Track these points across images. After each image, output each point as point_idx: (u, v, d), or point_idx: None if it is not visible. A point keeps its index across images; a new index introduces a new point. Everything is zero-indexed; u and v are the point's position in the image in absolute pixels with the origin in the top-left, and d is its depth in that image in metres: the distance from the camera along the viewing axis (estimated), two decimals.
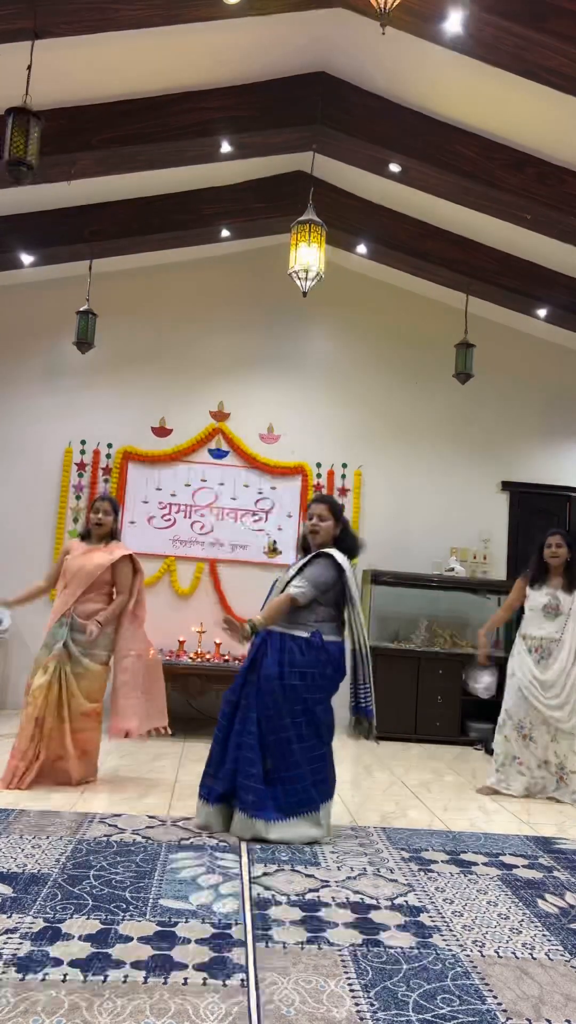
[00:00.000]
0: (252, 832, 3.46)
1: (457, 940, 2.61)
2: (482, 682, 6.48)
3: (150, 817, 3.75)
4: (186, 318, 7.01)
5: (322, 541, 3.71)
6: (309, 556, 3.74)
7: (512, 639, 6.75)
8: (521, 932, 2.71)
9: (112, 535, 4.60)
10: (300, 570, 3.70)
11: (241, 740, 3.53)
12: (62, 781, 4.22)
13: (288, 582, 3.72)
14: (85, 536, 4.68)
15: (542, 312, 6.63)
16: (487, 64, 4.11)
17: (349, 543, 3.77)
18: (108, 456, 6.80)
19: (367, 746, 5.99)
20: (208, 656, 6.24)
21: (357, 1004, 2.15)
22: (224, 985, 2.21)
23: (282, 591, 3.69)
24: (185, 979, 2.22)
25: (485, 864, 3.41)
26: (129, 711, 4.34)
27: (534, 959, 2.51)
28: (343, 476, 7.04)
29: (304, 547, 3.84)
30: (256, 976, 2.27)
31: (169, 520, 6.78)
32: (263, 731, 3.52)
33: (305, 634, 3.60)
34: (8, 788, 4.08)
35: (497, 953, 2.53)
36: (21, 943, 2.37)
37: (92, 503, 4.69)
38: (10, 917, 2.54)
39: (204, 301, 7.05)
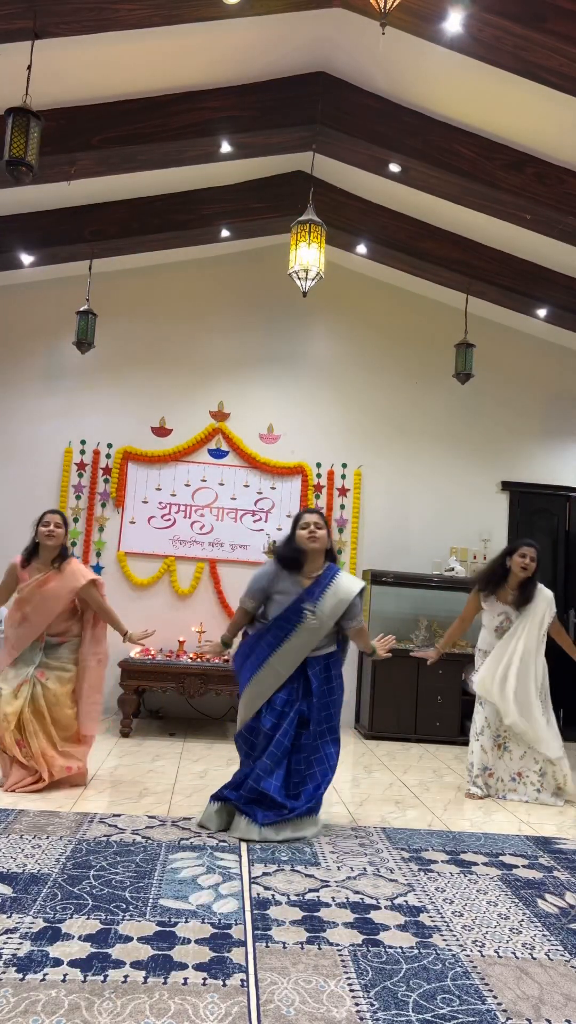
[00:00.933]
0: (261, 836, 3.50)
1: (457, 940, 2.61)
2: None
3: (150, 817, 3.75)
4: (186, 318, 7.01)
5: (320, 547, 3.75)
6: (334, 582, 3.76)
7: None
8: (521, 932, 2.72)
9: (63, 553, 4.35)
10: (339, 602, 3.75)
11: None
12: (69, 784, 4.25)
13: (334, 615, 3.75)
14: (31, 555, 4.32)
15: (542, 312, 6.63)
16: (487, 64, 4.11)
17: (334, 551, 3.92)
18: (108, 456, 6.80)
19: (367, 746, 5.99)
20: (208, 656, 6.23)
21: (357, 1004, 2.15)
22: (224, 985, 2.21)
23: (336, 628, 3.81)
24: (185, 979, 2.22)
25: (485, 864, 3.41)
26: (94, 715, 4.36)
27: (534, 959, 2.51)
28: (343, 476, 7.04)
29: (291, 555, 3.76)
30: (256, 976, 2.27)
31: (169, 520, 6.78)
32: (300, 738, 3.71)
33: (332, 648, 3.85)
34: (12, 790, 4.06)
35: (497, 953, 2.53)
36: (21, 943, 2.37)
37: (41, 517, 4.33)
38: (10, 917, 2.54)
39: (204, 301, 7.05)
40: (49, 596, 4.21)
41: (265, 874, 3.09)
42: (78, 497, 6.73)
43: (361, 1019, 2.08)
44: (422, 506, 7.09)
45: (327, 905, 2.82)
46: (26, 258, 6.20)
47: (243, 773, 3.68)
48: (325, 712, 3.76)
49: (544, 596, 4.75)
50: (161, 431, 6.90)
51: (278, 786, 3.59)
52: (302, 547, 3.72)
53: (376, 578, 6.56)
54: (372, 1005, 2.15)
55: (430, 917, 2.78)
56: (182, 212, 6.09)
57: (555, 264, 6.21)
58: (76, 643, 4.39)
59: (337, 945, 2.50)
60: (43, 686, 4.20)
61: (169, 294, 7.01)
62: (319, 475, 7.02)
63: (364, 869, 3.23)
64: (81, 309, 6.20)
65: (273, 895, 2.88)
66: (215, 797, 3.70)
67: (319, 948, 2.48)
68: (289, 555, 3.75)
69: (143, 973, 2.24)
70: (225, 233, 6.46)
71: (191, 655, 6.13)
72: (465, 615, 4.91)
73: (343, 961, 2.40)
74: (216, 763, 5.04)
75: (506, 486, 7.26)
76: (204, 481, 6.88)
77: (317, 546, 3.73)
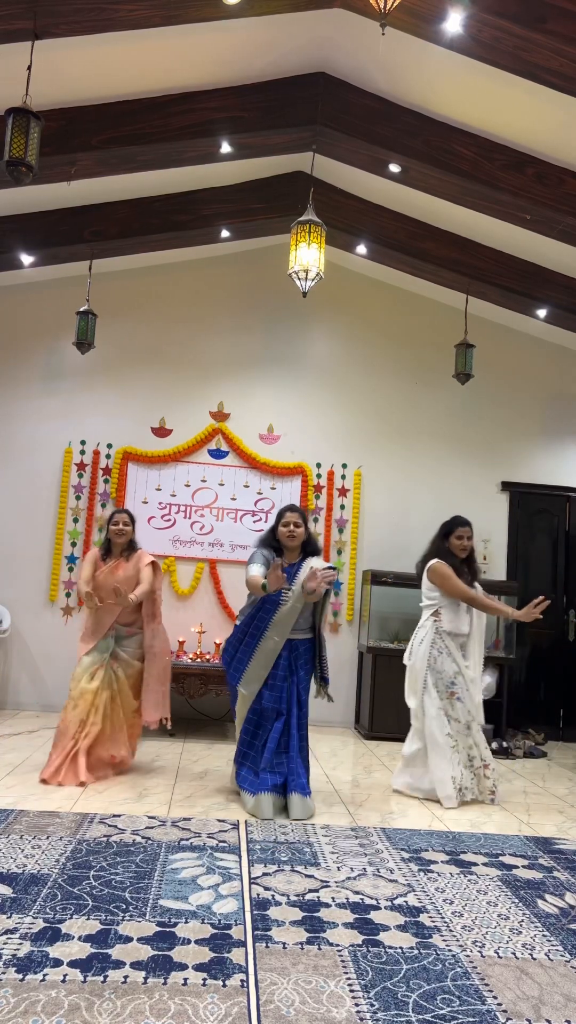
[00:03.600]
0: (310, 812, 3.97)
1: (457, 940, 2.61)
2: (482, 683, 6.47)
3: (150, 817, 3.75)
4: (186, 318, 7.01)
5: (299, 544, 4.23)
6: (304, 564, 4.22)
7: (512, 640, 6.79)
8: (521, 932, 2.71)
9: (132, 546, 4.82)
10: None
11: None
12: (114, 771, 4.57)
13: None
14: (106, 551, 4.81)
15: (542, 312, 6.63)
16: (487, 64, 4.11)
17: (315, 544, 4.33)
18: (108, 456, 6.80)
19: (367, 746, 6.00)
20: (208, 656, 6.24)
21: (357, 1004, 2.15)
22: (224, 985, 2.21)
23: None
24: (185, 979, 2.22)
25: (485, 864, 3.41)
26: (159, 703, 4.72)
27: (534, 959, 2.51)
28: (343, 476, 7.04)
29: (273, 547, 4.24)
30: (256, 976, 2.27)
31: (169, 520, 6.78)
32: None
33: (310, 635, 4.29)
34: (48, 782, 4.27)
35: (497, 953, 2.53)
36: (21, 943, 2.37)
37: (111, 517, 4.80)
38: (10, 917, 2.54)
39: (204, 301, 7.05)
40: (121, 581, 4.64)
41: (265, 874, 3.09)
42: (78, 497, 6.73)
43: (361, 1019, 2.08)
44: (422, 506, 7.09)
45: (327, 905, 2.82)
46: (26, 258, 6.20)
47: (264, 758, 4.06)
48: (306, 694, 4.24)
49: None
50: (161, 431, 6.90)
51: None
52: (282, 543, 4.22)
53: (376, 578, 6.56)
54: (372, 1005, 2.15)
55: (430, 917, 2.78)
56: (182, 212, 6.09)
57: (554, 264, 6.22)
58: (141, 638, 4.75)
59: (337, 945, 2.50)
60: (115, 674, 4.61)
61: (169, 294, 7.01)
62: (319, 475, 7.02)
63: (364, 869, 3.23)
64: (81, 309, 6.20)
65: (273, 895, 2.88)
66: (259, 786, 3.98)
67: (319, 948, 2.48)
68: (271, 547, 4.24)
69: (143, 973, 2.24)
70: (225, 233, 6.46)
71: (191, 655, 6.13)
72: (464, 589, 4.57)
73: (343, 961, 2.40)
74: (216, 763, 5.04)
75: (506, 486, 7.26)
76: (204, 481, 6.88)
77: (295, 544, 4.22)
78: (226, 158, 5.30)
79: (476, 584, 4.71)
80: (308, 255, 4.90)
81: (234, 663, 4.21)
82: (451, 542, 4.68)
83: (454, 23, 3.84)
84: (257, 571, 4.09)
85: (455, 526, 4.71)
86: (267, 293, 7.02)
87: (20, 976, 2.17)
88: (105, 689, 4.54)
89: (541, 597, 4.44)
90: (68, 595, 6.63)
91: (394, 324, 7.24)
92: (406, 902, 2.91)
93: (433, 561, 4.64)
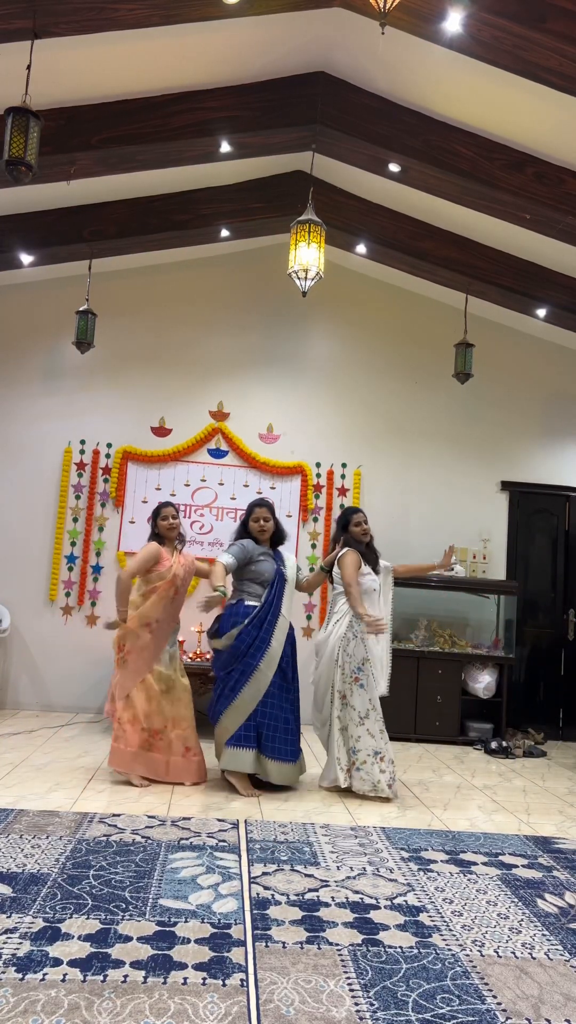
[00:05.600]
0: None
1: (457, 940, 2.61)
2: (482, 682, 6.48)
3: (149, 817, 3.75)
4: (186, 318, 7.01)
5: (269, 536, 4.66)
6: (277, 554, 4.71)
7: (511, 639, 6.79)
8: (520, 932, 2.72)
9: (182, 538, 4.92)
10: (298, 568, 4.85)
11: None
12: (174, 780, 4.49)
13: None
14: (162, 542, 4.77)
15: (541, 312, 6.63)
16: (487, 64, 4.11)
17: (283, 534, 4.79)
18: (108, 456, 6.80)
19: None
20: (208, 656, 6.23)
21: (357, 1004, 2.15)
22: (223, 985, 2.21)
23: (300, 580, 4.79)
24: (185, 979, 2.22)
25: (484, 864, 3.41)
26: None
27: (533, 959, 2.51)
28: (343, 476, 7.04)
29: (249, 537, 4.65)
30: (256, 976, 2.27)
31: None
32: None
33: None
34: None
35: (496, 953, 2.54)
36: (21, 943, 2.37)
37: (160, 509, 4.78)
38: (10, 917, 2.54)
39: (204, 301, 7.05)
40: (191, 572, 4.81)
41: (265, 874, 3.09)
42: (78, 497, 6.73)
43: (361, 1019, 2.08)
44: (422, 506, 7.09)
45: (327, 905, 2.83)
46: (26, 258, 6.20)
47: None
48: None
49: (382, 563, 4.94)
50: (161, 431, 6.90)
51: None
52: (254, 536, 4.63)
53: None
54: (372, 1005, 2.15)
55: (430, 917, 2.78)
56: (181, 212, 6.09)
57: (554, 264, 6.22)
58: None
59: (337, 945, 2.50)
60: (178, 677, 4.66)
61: (169, 294, 7.01)
62: (319, 475, 7.01)
63: (364, 869, 3.23)
64: (81, 309, 6.20)
65: (273, 895, 2.88)
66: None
67: (319, 948, 2.48)
68: (242, 535, 4.66)
69: (143, 973, 2.24)
70: (224, 233, 6.46)
71: (191, 654, 6.13)
72: (349, 581, 4.59)
73: (343, 961, 2.40)
74: (216, 762, 5.03)
75: (506, 486, 7.26)
76: (204, 481, 6.88)
77: (266, 536, 4.65)
78: (225, 157, 5.30)
79: (382, 566, 4.91)
80: (308, 255, 4.91)
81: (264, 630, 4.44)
82: (351, 531, 4.80)
83: (454, 22, 3.84)
84: (230, 563, 4.46)
85: (350, 515, 4.87)
86: (267, 293, 7.02)
87: (20, 975, 2.17)
88: (180, 678, 4.71)
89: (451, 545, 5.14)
90: (68, 595, 6.63)
91: (394, 324, 7.24)
92: (406, 901, 2.91)
93: (345, 550, 4.74)
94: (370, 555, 4.82)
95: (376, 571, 4.81)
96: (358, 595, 4.59)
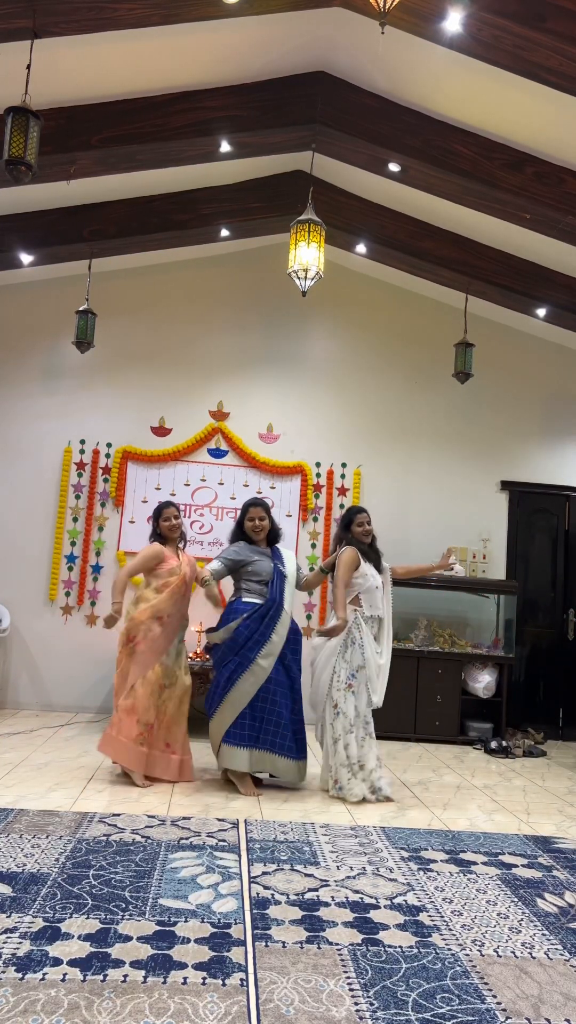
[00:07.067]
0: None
1: (456, 939, 2.61)
2: (482, 682, 6.48)
3: (149, 817, 3.75)
4: (185, 318, 7.01)
5: (264, 535, 4.67)
6: (275, 552, 4.73)
7: (511, 639, 6.79)
8: (520, 931, 2.72)
9: (184, 537, 4.92)
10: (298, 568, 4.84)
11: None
12: (168, 777, 4.50)
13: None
14: (164, 543, 4.76)
15: (541, 311, 6.63)
16: (487, 64, 4.11)
17: (278, 533, 4.80)
18: (107, 456, 6.80)
19: None
20: (208, 656, 6.23)
21: (356, 1003, 2.15)
22: (223, 984, 2.21)
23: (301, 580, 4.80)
24: (184, 978, 2.22)
25: (484, 863, 3.41)
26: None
27: (533, 958, 2.52)
28: (342, 475, 7.04)
29: (246, 539, 4.67)
30: (255, 975, 2.27)
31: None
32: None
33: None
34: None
35: (496, 952, 2.54)
36: (20, 943, 2.37)
37: (161, 510, 4.78)
38: (9, 917, 2.54)
39: (204, 301, 7.05)
40: (195, 571, 4.78)
41: (264, 873, 3.09)
42: (77, 497, 6.73)
43: (360, 1018, 2.08)
44: (422, 506, 7.09)
45: (326, 904, 2.83)
46: (25, 257, 6.20)
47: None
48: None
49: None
50: (161, 431, 6.90)
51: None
52: (250, 536, 4.65)
53: None
54: (371, 1004, 2.15)
55: (429, 916, 2.78)
56: (181, 212, 6.09)
57: (554, 264, 6.22)
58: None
59: (336, 944, 2.50)
60: (182, 674, 4.65)
61: (169, 294, 7.01)
62: (319, 475, 7.01)
63: (363, 868, 3.23)
64: (80, 309, 6.20)
65: (272, 894, 2.88)
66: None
67: (318, 947, 2.48)
68: (243, 538, 4.68)
69: (143, 972, 2.24)
70: (224, 233, 6.46)
71: (191, 654, 6.12)
72: (340, 583, 4.58)
73: (342, 960, 2.40)
74: (215, 762, 5.03)
75: (506, 486, 7.26)
76: (204, 481, 6.88)
77: (261, 535, 4.67)
78: (225, 157, 5.30)
79: (383, 566, 4.83)
80: (308, 254, 4.90)
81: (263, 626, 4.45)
82: (353, 531, 4.76)
83: (454, 22, 3.84)
84: (220, 570, 4.54)
85: (353, 514, 4.81)
86: (267, 292, 7.02)
87: (20, 975, 2.17)
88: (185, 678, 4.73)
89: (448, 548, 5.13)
90: (68, 594, 6.63)
91: (394, 323, 7.24)
92: (405, 901, 2.91)
93: (345, 548, 4.69)
94: (372, 555, 4.80)
95: (379, 570, 4.78)
96: (343, 598, 4.55)
